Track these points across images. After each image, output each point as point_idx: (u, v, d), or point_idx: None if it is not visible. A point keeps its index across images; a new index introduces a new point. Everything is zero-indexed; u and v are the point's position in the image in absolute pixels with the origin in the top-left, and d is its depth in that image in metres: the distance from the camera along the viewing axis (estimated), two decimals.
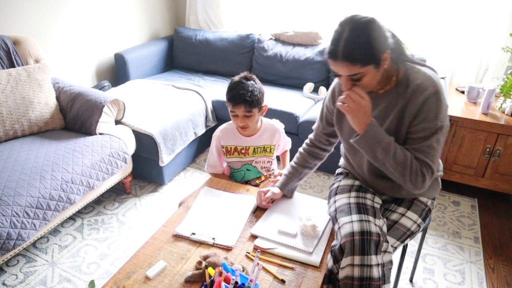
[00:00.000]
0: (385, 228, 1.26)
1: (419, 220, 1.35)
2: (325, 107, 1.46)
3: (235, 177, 1.80)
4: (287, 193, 1.56)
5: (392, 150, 1.16)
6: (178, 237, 1.35)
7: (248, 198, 1.55)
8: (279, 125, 1.78)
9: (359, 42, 1.08)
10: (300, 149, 1.59)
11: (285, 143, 1.83)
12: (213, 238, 1.33)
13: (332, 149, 1.57)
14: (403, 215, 1.34)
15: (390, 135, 1.20)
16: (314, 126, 1.56)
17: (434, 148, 1.18)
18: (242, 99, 1.55)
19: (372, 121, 1.17)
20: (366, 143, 1.18)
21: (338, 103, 1.19)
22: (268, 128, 1.73)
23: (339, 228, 1.25)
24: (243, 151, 1.72)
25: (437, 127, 1.16)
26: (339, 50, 1.09)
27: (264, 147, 1.73)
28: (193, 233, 1.36)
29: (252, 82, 1.60)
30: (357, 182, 1.45)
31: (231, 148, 1.73)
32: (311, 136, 1.58)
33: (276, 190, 1.54)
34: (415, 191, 1.23)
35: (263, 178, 1.80)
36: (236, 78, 1.62)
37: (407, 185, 1.20)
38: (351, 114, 1.17)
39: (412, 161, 1.17)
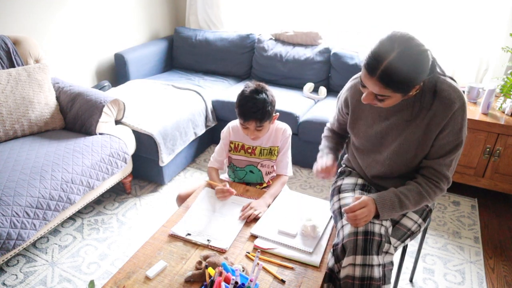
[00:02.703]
0: (390, 229, 1.27)
1: (420, 220, 1.35)
2: (339, 112, 1.48)
3: (236, 174, 1.76)
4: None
5: (406, 200, 1.23)
6: (173, 237, 1.35)
7: (247, 201, 1.54)
8: (287, 128, 1.71)
9: (402, 72, 1.05)
10: (323, 135, 1.60)
11: (286, 155, 1.70)
12: (208, 240, 1.33)
13: None
14: (404, 215, 1.34)
15: (414, 143, 1.24)
16: (331, 121, 1.59)
17: (454, 161, 1.24)
18: (253, 117, 1.51)
19: (378, 207, 1.22)
20: (388, 216, 1.24)
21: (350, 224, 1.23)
22: (275, 130, 1.69)
23: (342, 226, 1.25)
24: (249, 150, 1.70)
25: (460, 140, 1.20)
26: (379, 69, 1.06)
27: (270, 149, 1.69)
28: (189, 234, 1.35)
29: (263, 95, 1.53)
30: (360, 181, 1.44)
31: (238, 145, 1.70)
32: (328, 125, 1.61)
33: (330, 162, 1.42)
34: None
35: (264, 185, 1.77)
36: (247, 91, 1.55)
37: (432, 202, 1.31)
38: (367, 217, 1.21)
39: (424, 188, 1.24)
